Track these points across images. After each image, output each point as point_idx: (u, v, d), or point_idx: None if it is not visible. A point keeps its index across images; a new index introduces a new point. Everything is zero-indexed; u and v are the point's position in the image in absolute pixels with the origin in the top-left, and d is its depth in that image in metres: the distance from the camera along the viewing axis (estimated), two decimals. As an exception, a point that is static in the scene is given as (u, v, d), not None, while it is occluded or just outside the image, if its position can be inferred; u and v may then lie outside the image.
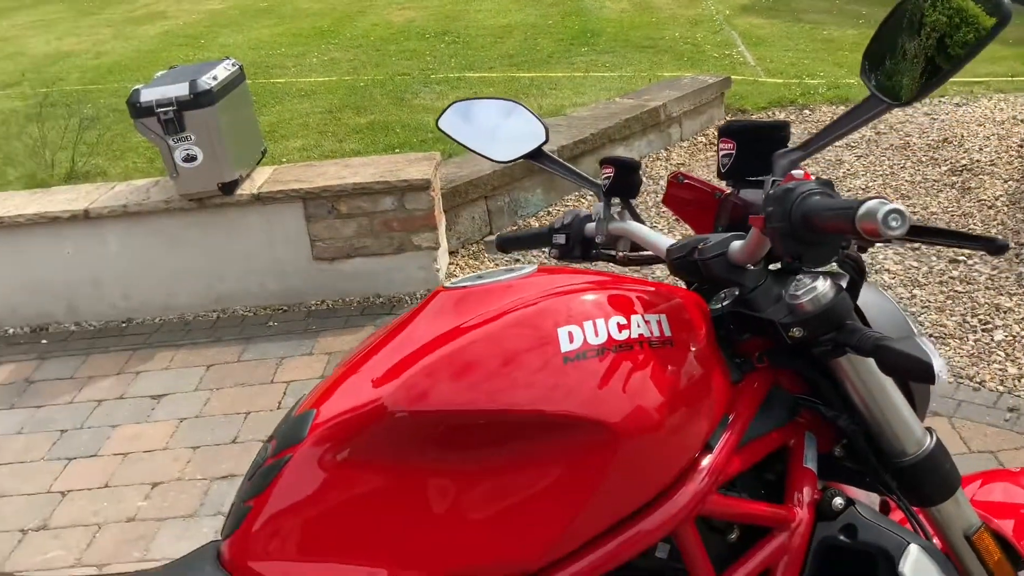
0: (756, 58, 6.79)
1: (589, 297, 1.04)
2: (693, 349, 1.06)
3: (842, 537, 1.12)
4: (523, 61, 6.68)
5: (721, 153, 1.20)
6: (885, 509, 1.30)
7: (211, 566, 1.01)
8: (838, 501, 1.13)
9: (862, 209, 0.89)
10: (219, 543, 1.04)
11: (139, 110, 3.50)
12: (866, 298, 1.22)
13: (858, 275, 1.14)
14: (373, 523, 0.98)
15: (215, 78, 3.61)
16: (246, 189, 3.74)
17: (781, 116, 5.51)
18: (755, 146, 1.14)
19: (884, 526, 1.12)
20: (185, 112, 3.51)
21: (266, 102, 5.83)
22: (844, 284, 1.10)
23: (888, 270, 3.74)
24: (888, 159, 4.80)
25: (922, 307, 3.28)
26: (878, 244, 0.97)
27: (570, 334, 0.99)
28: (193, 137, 3.55)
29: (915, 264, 3.73)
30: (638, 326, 1.02)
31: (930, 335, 3.17)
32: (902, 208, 0.89)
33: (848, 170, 4.70)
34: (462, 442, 0.97)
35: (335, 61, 7.17)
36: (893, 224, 0.88)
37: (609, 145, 4.72)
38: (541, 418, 0.96)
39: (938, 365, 1.01)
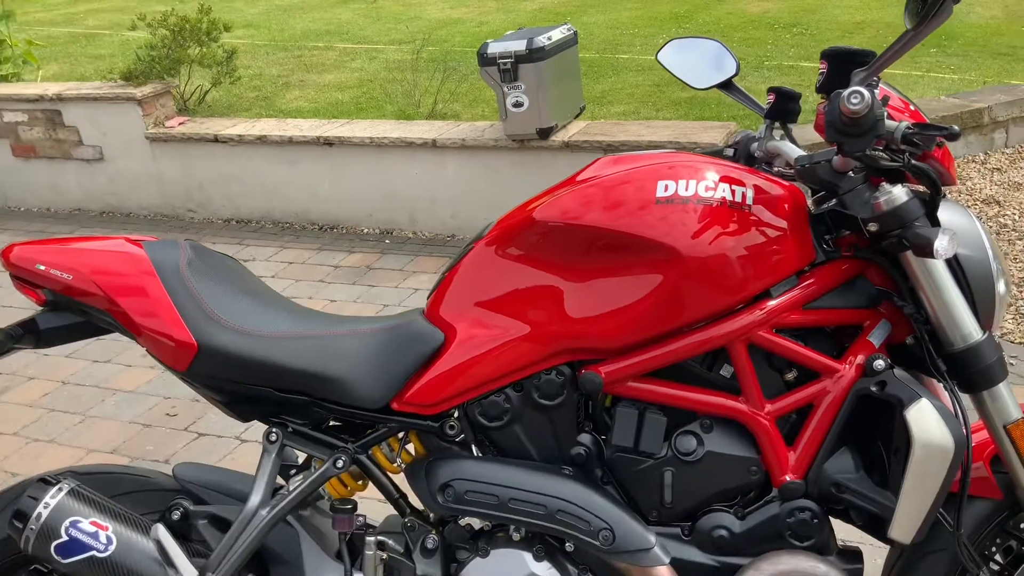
0: None
1: (695, 165, 1.43)
2: (769, 220, 1.41)
3: (873, 388, 1.41)
4: None
5: (819, 72, 1.50)
6: None
7: (420, 317, 1.54)
8: (879, 363, 1.42)
9: (841, 96, 1.22)
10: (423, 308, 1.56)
11: (485, 60, 4.22)
12: (951, 217, 1.47)
13: (935, 191, 1.40)
14: (518, 294, 1.46)
15: (550, 38, 4.24)
16: (559, 137, 4.35)
17: None
18: (843, 66, 1.42)
19: (910, 385, 1.39)
20: (520, 64, 4.16)
21: (605, 73, 6.44)
22: (916, 195, 1.39)
23: None
24: None
25: None
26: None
27: (666, 186, 1.40)
28: (523, 86, 4.21)
29: None
30: (723, 191, 1.40)
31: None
32: (860, 89, 1.20)
33: None
34: (579, 247, 1.42)
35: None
36: (853, 101, 1.20)
37: (918, 140, 4.71)
38: (633, 238, 1.39)
39: (942, 247, 1.28)
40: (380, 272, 4.39)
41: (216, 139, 5.14)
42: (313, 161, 4.95)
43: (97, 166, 5.52)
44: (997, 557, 1.62)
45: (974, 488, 1.51)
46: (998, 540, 1.61)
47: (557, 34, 4.33)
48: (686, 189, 1.40)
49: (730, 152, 1.76)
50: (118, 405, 3.41)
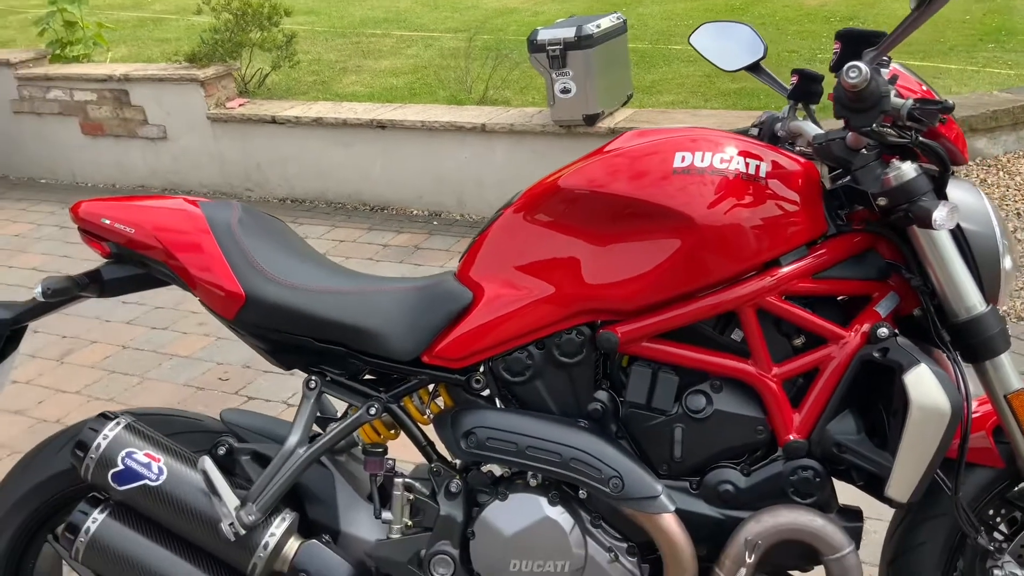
0: None
1: (714, 139, 1.51)
2: (781, 192, 1.49)
3: (876, 354, 1.48)
4: (919, 51, 6.61)
5: (833, 52, 1.57)
6: None
7: (451, 278, 1.64)
8: (883, 331, 1.50)
9: (841, 71, 1.29)
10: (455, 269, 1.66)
11: (534, 46, 4.31)
12: (960, 194, 1.53)
13: (943, 168, 1.47)
14: (542, 257, 1.56)
15: (599, 26, 4.31)
16: (605, 123, 4.42)
17: None
18: (856, 47, 1.48)
19: (911, 352, 1.46)
20: (568, 51, 4.25)
21: (657, 63, 6.49)
22: (924, 172, 1.45)
23: None
24: None
25: None
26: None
27: (683, 157, 1.48)
28: (571, 73, 4.29)
29: None
30: (737, 164, 1.48)
31: None
32: (858, 64, 1.27)
33: None
34: (601, 214, 1.52)
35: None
36: (851, 75, 1.27)
37: (970, 134, 4.69)
38: (650, 206, 1.48)
39: (940, 219, 1.35)
40: (427, 252, 4.51)
41: (274, 120, 5.31)
42: (366, 143, 5.10)
43: (161, 144, 5.73)
44: (1002, 527, 1.67)
45: (976, 457, 1.57)
46: (1003, 511, 1.67)
47: (606, 22, 4.40)
48: (702, 160, 1.48)
49: (755, 131, 1.82)
50: (174, 369, 3.59)
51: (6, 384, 1.82)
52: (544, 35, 4.31)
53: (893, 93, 1.39)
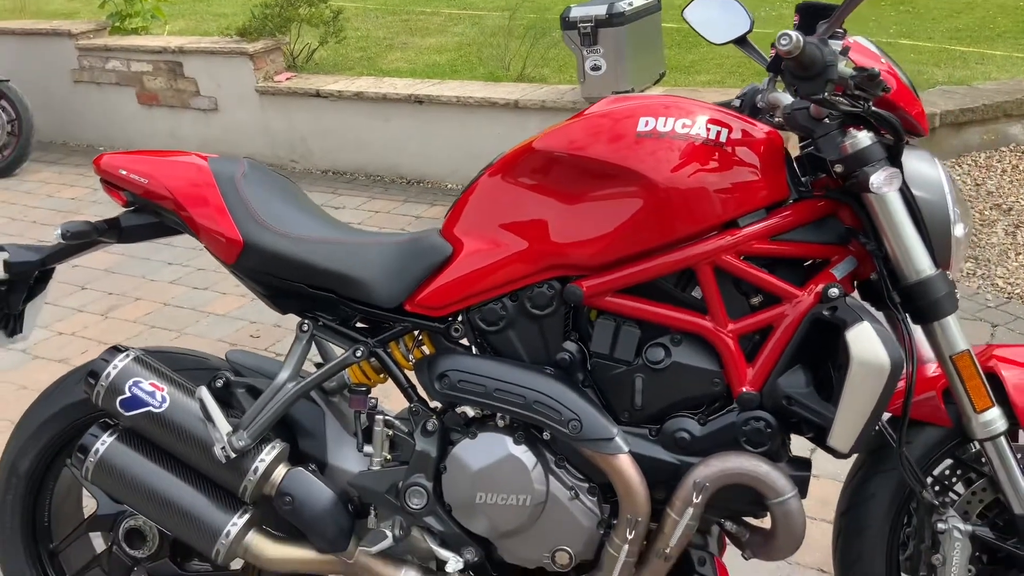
0: None
1: (683, 106, 1.60)
2: (741, 157, 1.58)
3: (825, 312, 1.56)
4: (967, 36, 6.54)
5: (793, 25, 1.64)
6: None
7: (435, 233, 1.76)
8: (833, 291, 1.58)
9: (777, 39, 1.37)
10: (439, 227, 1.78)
11: (566, 23, 4.40)
12: (916, 164, 1.60)
13: (897, 138, 1.54)
14: (517, 216, 1.68)
15: (631, 4, 4.38)
16: (635, 100, 4.49)
17: None
18: (814, 19, 1.55)
19: (856, 311, 1.54)
20: (600, 29, 4.33)
21: (698, 43, 6.49)
22: (879, 141, 1.53)
23: None
24: None
25: None
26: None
27: (647, 122, 1.58)
28: (602, 50, 4.37)
29: None
30: (699, 129, 1.57)
31: None
32: (788, 32, 1.35)
33: None
34: (569, 175, 1.63)
35: (779, 17, 7.58)
36: (782, 42, 1.35)
37: (1004, 119, 4.67)
38: (611, 167, 1.58)
39: (877, 183, 1.44)
40: (457, 223, 4.64)
41: (318, 94, 5.48)
42: (405, 118, 5.24)
43: (212, 116, 5.95)
44: (958, 487, 1.74)
45: (925, 415, 1.65)
46: (959, 471, 1.74)
47: (639, 1, 4.46)
48: (664, 125, 1.57)
49: (737, 103, 1.90)
50: (210, 326, 3.79)
51: (33, 326, 2.00)
52: (576, 12, 4.39)
53: (843, 63, 1.47)
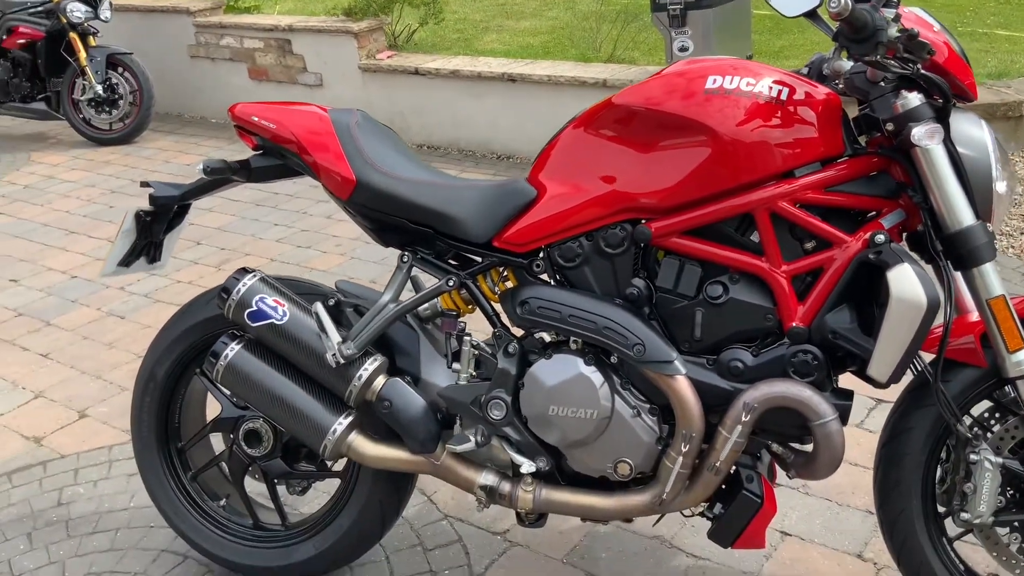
0: None
1: (750, 68, 1.79)
2: (800, 114, 1.75)
3: (871, 256, 1.73)
4: (998, 23, 6.43)
5: None
6: None
7: (522, 181, 1.98)
8: (880, 237, 1.75)
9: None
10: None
11: (656, 5, 4.56)
12: (964, 126, 1.75)
13: (945, 99, 1.70)
14: (595, 164, 1.88)
15: (720, -12, 4.52)
16: (721, 81, 4.62)
17: None
18: None
19: (899, 255, 1.70)
20: (689, 11, 4.48)
21: (790, 30, 6.56)
22: (929, 103, 1.69)
23: None
24: None
25: None
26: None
27: (715, 80, 1.77)
28: (690, 32, 4.52)
29: None
30: (762, 87, 1.75)
31: None
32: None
33: None
34: (644, 126, 1.83)
35: None
36: (832, 5, 1.52)
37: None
38: (681, 119, 1.77)
39: (919, 135, 1.60)
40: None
41: (417, 72, 5.77)
42: (497, 96, 5.48)
43: (317, 91, 6.30)
44: (996, 428, 1.88)
45: (963, 356, 1.79)
46: (997, 413, 1.88)
47: (729, -16, 4.59)
48: (731, 83, 1.76)
49: (805, 70, 2.06)
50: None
51: (169, 257, 2.30)
52: (666, -5, 4.55)
53: (894, 29, 1.62)
